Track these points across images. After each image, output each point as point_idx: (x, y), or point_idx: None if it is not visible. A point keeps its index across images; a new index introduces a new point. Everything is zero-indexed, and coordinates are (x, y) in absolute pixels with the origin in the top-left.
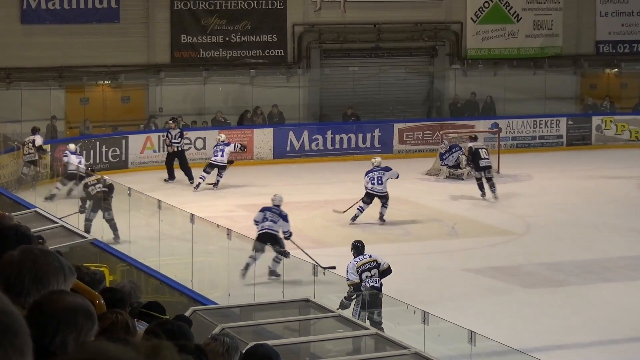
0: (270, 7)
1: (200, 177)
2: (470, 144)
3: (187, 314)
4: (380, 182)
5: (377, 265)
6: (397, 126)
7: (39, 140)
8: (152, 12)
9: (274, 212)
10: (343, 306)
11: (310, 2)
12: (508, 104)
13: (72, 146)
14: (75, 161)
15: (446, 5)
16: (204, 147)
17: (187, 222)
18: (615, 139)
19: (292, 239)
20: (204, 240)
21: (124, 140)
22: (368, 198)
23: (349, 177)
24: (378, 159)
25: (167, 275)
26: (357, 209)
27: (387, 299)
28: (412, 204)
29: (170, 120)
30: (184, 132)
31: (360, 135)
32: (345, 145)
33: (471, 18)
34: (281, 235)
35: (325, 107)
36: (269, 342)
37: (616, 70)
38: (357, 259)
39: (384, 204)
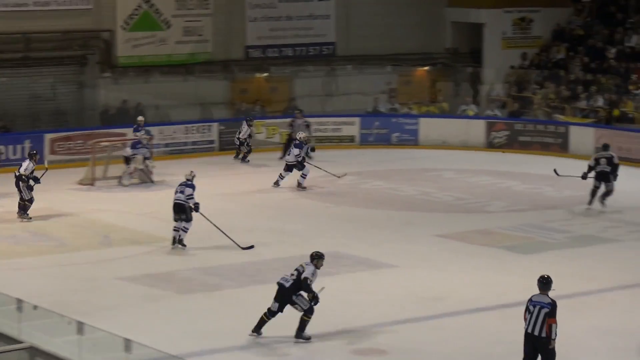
0: None
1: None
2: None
3: None
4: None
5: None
6: (48, 136)
7: None
8: None
9: (183, 184)
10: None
11: None
12: (160, 110)
13: None
14: None
15: (95, 14)
16: None
17: None
18: (266, 143)
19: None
20: None
21: None
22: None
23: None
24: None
25: None
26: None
27: (42, 312)
28: (66, 214)
29: None
30: None
31: (10, 147)
32: None
33: (121, 26)
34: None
35: None
36: None
37: (266, 74)
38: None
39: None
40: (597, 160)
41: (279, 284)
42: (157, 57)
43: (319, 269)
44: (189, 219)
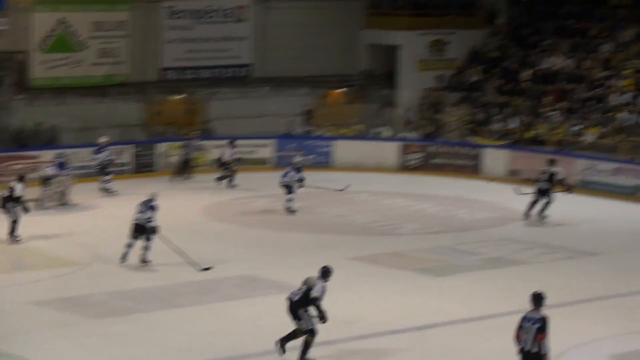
0: None
1: None
2: None
3: None
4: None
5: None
6: None
7: None
8: None
9: (144, 204)
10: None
11: None
12: (74, 133)
13: None
14: None
15: (10, 35)
16: None
17: None
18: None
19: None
20: None
21: None
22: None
23: None
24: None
25: None
26: None
27: None
28: None
29: None
30: None
31: None
32: None
33: (37, 47)
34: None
35: None
36: None
37: (182, 96)
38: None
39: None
40: (538, 176)
41: (288, 299)
42: (73, 78)
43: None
44: (149, 239)
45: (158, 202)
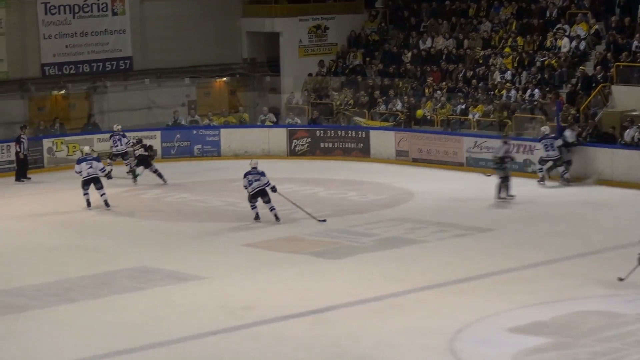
0: None
1: None
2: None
3: None
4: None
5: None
6: None
7: None
8: None
9: (254, 173)
10: None
11: None
12: None
13: None
14: None
15: None
16: None
17: None
18: (67, 160)
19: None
20: None
21: None
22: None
23: None
24: (255, 160)
25: None
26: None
27: None
28: None
29: None
30: None
31: None
32: None
33: None
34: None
35: None
36: None
37: (63, 91)
38: None
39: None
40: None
41: None
42: None
43: None
44: (268, 201)
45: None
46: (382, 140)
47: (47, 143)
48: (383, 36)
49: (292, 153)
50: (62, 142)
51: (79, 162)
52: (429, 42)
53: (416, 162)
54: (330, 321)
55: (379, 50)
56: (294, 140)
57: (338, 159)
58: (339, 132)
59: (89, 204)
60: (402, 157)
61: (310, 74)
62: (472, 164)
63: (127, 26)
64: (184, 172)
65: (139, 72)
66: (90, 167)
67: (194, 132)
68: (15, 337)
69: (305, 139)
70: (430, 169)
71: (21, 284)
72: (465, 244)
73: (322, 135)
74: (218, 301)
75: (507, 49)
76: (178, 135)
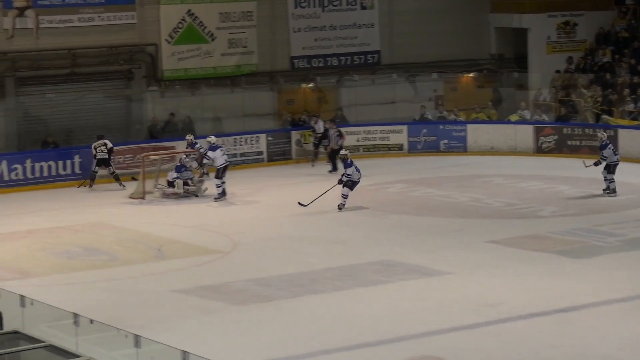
0: None
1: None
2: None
3: None
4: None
5: None
6: None
7: None
8: None
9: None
10: None
11: (1, 30)
12: (207, 123)
13: None
14: None
15: (140, 28)
16: None
17: None
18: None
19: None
20: None
21: None
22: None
23: (51, 205)
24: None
25: None
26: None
27: (98, 325)
28: (117, 228)
29: None
30: None
31: (60, 163)
32: (45, 174)
33: (166, 39)
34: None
35: (23, 135)
36: None
37: (312, 84)
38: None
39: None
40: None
41: None
42: (203, 69)
43: None
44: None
45: None
46: (631, 139)
47: (295, 135)
48: (633, 33)
49: (539, 150)
50: (310, 135)
51: (213, 149)
52: None
53: None
54: (574, 321)
55: (629, 47)
56: (541, 137)
57: (585, 157)
58: (586, 130)
59: (224, 193)
60: None
61: (557, 71)
62: None
63: (376, 20)
64: (429, 167)
65: (386, 66)
66: (225, 154)
67: (441, 127)
68: (262, 325)
69: (552, 136)
70: None
71: (269, 274)
72: None
73: (569, 132)
74: (462, 297)
75: None
76: (425, 130)
